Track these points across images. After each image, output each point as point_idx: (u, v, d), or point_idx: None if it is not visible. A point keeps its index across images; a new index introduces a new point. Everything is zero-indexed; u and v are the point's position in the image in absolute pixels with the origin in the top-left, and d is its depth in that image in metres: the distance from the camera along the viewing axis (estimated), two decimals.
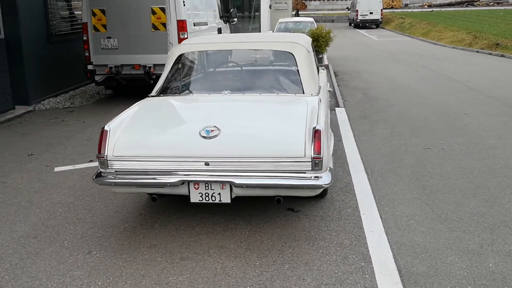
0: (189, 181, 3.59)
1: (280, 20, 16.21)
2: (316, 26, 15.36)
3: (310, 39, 5.23)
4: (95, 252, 3.75)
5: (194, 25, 9.44)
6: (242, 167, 3.53)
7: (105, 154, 3.63)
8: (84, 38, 9.11)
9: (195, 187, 3.61)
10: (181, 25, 8.87)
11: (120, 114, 4.04)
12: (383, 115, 7.97)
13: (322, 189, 3.58)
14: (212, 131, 3.64)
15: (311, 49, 4.86)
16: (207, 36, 5.08)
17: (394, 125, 7.24)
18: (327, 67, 13.67)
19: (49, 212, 4.47)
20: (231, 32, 13.60)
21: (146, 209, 4.43)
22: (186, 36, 8.95)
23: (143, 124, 3.85)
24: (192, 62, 4.75)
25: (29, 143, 6.82)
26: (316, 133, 3.50)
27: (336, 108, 8.48)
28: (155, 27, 8.88)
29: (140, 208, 4.45)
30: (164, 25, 8.77)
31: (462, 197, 4.54)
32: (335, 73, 13.18)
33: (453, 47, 19.84)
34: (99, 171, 3.73)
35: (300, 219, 4.15)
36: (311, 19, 16.72)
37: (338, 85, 11.08)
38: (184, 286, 3.25)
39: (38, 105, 9.33)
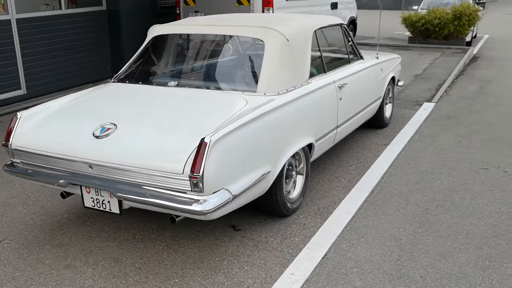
0: (80, 184, 3.22)
1: None
2: (465, 1, 13.29)
3: (315, 25, 4.27)
4: (8, 241, 3.62)
5: (286, 0, 8.78)
6: (124, 176, 3.03)
7: (10, 143, 3.43)
8: (177, 11, 9.11)
9: (87, 191, 3.23)
10: (267, 0, 8.30)
11: (52, 101, 3.79)
12: (474, 117, 6.47)
13: (206, 216, 2.89)
14: (107, 129, 3.18)
15: (299, 37, 3.97)
16: (192, 18, 4.52)
17: (474, 132, 5.82)
18: (465, 51, 11.75)
19: (29, 190, 4.46)
20: (357, 8, 12.51)
21: None
22: (271, 12, 8.37)
23: (57, 116, 3.52)
24: (164, 46, 4.25)
25: None
26: (200, 146, 2.81)
27: (425, 103, 7.17)
28: (239, 2, 8.45)
29: None
30: (249, 0, 8.30)
31: (459, 246, 3.37)
32: (475, 58, 11.27)
33: None
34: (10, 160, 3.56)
35: (230, 242, 3.49)
36: None
37: (460, 74, 9.42)
38: None
39: None
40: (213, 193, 2.87)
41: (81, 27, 8.69)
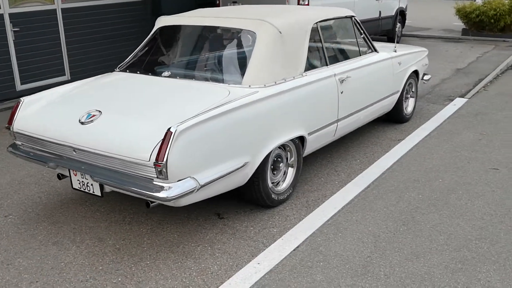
0: (67, 167, 3.43)
1: None
2: None
3: (316, 18, 4.24)
4: (12, 216, 3.91)
5: None
6: (101, 161, 3.20)
7: (12, 126, 3.70)
8: (217, 2, 9.25)
9: (73, 174, 3.43)
10: None
11: (55, 88, 4.03)
12: (505, 114, 6.17)
13: (172, 202, 3.00)
14: (92, 116, 3.36)
15: (295, 30, 3.98)
16: (199, 10, 4.60)
17: (498, 131, 5.56)
18: None
19: (45, 171, 4.76)
20: None
21: None
22: (306, 3, 8.33)
23: (55, 102, 3.74)
24: (166, 37, 4.36)
25: None
26: (166, 135, 2.92)
27: (457, 98, 6.91)
28: None
29: None
30: None
31: (437, 247, 3.29)
32: None
33: None
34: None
35: (210, 229, 3.59)
36: None
37: (509, 68, 8.97)
38: (19, 271, 3.16)
39: None
40: (178, 181, 2.98)
41: (124, 17, 9.02)
